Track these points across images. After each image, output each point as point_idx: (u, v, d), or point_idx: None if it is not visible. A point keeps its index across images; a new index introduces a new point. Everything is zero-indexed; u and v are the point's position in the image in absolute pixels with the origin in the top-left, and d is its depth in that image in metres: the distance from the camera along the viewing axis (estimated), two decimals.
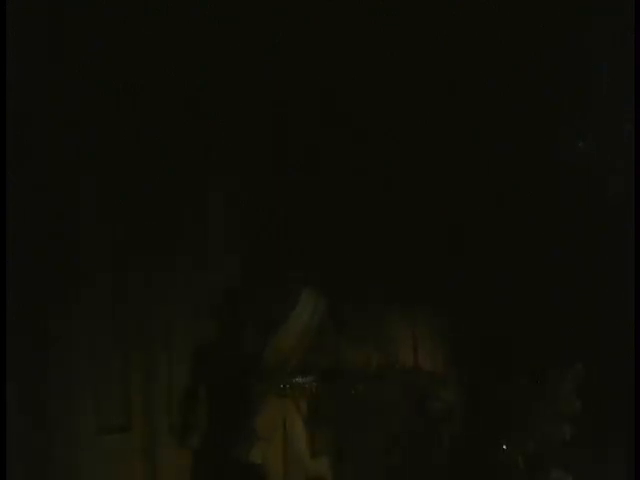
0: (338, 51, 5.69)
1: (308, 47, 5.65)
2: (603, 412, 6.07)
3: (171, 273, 5.41)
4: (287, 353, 4.88)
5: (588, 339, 6.12)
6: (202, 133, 5.41)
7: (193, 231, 5.49)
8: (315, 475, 4.88)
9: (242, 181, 5.69)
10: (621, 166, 5.98)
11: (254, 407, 4.85)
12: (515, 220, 6.47)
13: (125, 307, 5.27)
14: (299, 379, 4.94)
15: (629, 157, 5.67)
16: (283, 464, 4.82)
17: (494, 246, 6.51)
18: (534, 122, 6.20)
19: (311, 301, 5.03)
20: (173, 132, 5.31)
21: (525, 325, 6.38)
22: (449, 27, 5.84)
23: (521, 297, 6.44)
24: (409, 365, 6.40)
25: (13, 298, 4.50)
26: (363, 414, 5.14)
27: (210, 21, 5.32)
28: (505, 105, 6.17)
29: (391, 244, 6.48)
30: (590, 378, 6.10)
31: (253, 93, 5.55)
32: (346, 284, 5.99)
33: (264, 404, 4.85)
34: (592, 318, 6.18)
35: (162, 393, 5.26)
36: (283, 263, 5.05)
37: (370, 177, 6.21)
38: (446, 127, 6.10)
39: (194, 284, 5.49)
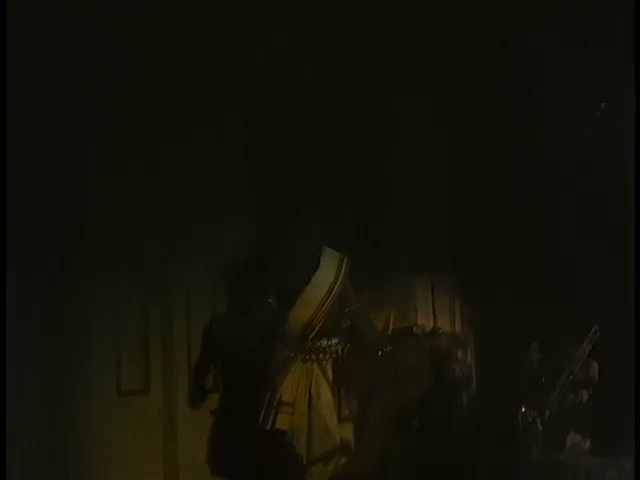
0: None
1: None
2: (620, 376, 5.88)
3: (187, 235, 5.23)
4: (311, 316, 4.55)
5: (604, 303, 5.92)
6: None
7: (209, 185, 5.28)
8: (341, 441, 4.59)
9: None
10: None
11: (278, 373, 4.56)
12: (529, 183, 6.26)
13: (143, 272, 5.11)
14: (324, 342, 4.60)
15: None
16: (309, 430, 4.49)
17: (511, 209, 6.33)
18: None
19: (334, 262, 4.72)
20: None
21: (541, 288, 6.21)
22: None
23: (537, 258, 6.24)
24: (428, 328, 6.22)
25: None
26: (386, 377, 4.91)
27: None
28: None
29: (412, 206, 6.31)
30: (606, 342, 5.92)
31: None
32: (366, 246, 5.80)
33: (288, 370, 4.56)
34: (608, 283, 5.97)
35: (181, 358, 5.10)
36: (303, 223, 4.75)
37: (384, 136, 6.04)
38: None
39: (211, 245, 5.31)
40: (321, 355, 4.61)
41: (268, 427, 4.49)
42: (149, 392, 5.05)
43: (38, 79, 4.56)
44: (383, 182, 6.11)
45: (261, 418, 4.50)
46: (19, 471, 4.45)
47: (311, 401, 4.53)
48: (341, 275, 4.68)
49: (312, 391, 4.54)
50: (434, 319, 6.38)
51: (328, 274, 4.67)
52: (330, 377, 4.59)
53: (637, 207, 4.50)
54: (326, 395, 4.55)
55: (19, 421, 4.42)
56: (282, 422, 4.50)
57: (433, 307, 6.43)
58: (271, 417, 4.48)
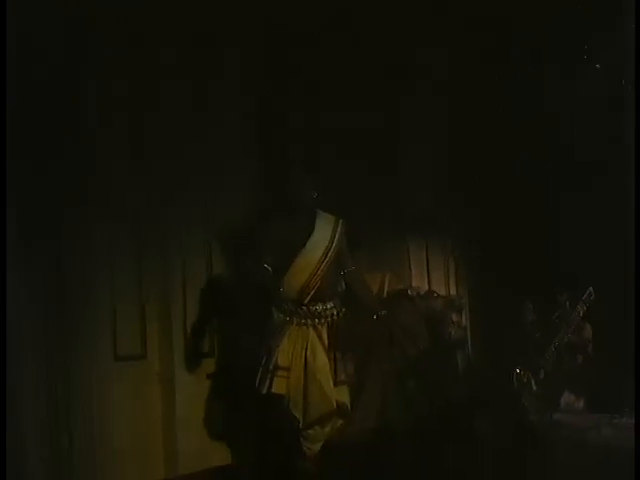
0: None
1: None
2: (614, 337, 5.88)
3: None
4: (307, 280, 4.53)
5: (599, 265, 5.91)
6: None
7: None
8: (337, 404, 4.59)
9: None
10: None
11: (274, 337, 4.57)
12: (528, 144, 6.20)
13: (138, 237, 5.07)
14: (319, 307, 4.59)
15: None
16: (305, 394, 4.50)
17: (506, 171, 6.29)
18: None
19: (329, 225, 4.68)
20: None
21: (535, 250, 6.18)
22: None
23: (532, 221, 6.20)
24: (423, 290, 6.22)
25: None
26: (382, 340, 4.89)
27: None
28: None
29: (406, 168, 6.27)
30: (601, 303, 5.92)
31: None
32: (360, 208, 5.77)
33: (284, 334, 4.56)
34: (603, 244, 5.95)
35: (178, 323, 5.09)
36: (298, 186, 4.71)
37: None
38: None
39: (207, 210, 5.27)
40: (316, 319, 4.60)
41: (264, 391, 4.50)
42: (146, 357, 5.02)
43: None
44: (379, 144, 6.05)
45: (257, 382, 4.51)
46: (19, 439, 4.44)
47: (307, 365, 4.53)
48: (336, 237, 4.66)
49: (308, 355, 4.54)
50: (429, 281, 6.38)
51: (323, 237, 4.64)
52: (325, 341, 4.58)
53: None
54: (322, 359, 4.54)
55: (19, 391, 4.40)
56: (278, 386, 4.50)
57: (428, 269, 6.41)
58: (267, 381, 4.49)
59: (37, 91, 4.46)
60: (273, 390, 4.50)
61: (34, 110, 4.45)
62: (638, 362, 4.60)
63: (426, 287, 6.28)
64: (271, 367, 4.50)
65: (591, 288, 5.86)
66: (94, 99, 4.76)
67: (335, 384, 4.57)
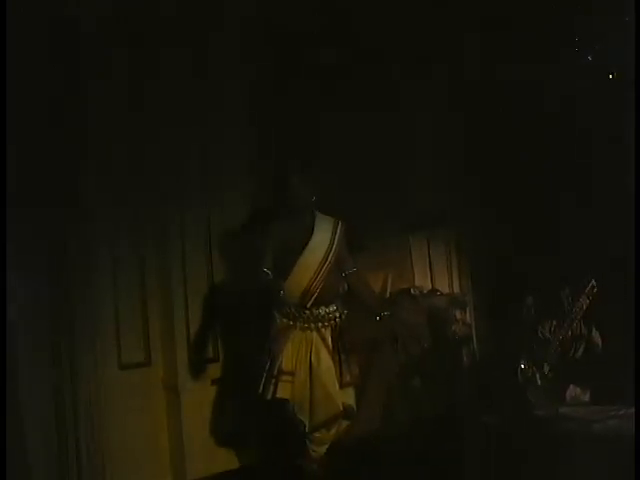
0: None
1: None
2: (619, 329, 5.85)
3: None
4: (308, 283, 4.49)
5: (601, 258, 5.87)
6: None
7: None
8: (343, 406, 4.56)
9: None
10: None
11: (277, 342, 4.53)
12: (529, 141, 6.16)
13: (140, 244, 5.06)
14: (322, 310, 4.55)
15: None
16: (310, 398, 4.48)
17: (507, 168, 6.24)
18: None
19: (329, 227, 4.63)
20: None
21: (538, 244, 6.15)
22: None
23: (533, 216, 6.14)
24: (426, 289, 6.19)
25: None
26: (386, 341, 4.87)
27: None
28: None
29: (407, 167, 6.23)
30: (604, 296, 5.89)
31: None
32: (360, 208, 5.74)
33: (287, 338, 4.52)
34: (606, 237, 5.91)
35: (180, 328, 5.07)
36: (297, 189, 4.67)
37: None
38: None
39: (208, 215, 5.25)
40: (320, 323, 4.56)
41: (269, 396, 4.46)
42: (150, 364, 5.00)
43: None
44: (379, 143, 6.02)
45: (261, 387, 4.47)
46: (24, 446, 4.44)
47: (311, 369, 4.50)
48: (336, 239, 4.61)
49: (312, 359, 4.50)
50: (432, 280, 6.34)
51: (324, 239, 4.60)
52: (330, 344, 4.55)
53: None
54: (326, 362, 4.51)
55: (24, 401, 4.40)
56: (283, 391, 4.47)
57: (430, 268, 6.36)
58: (271, 386, 4.46)
59: (32, 73, 4.44)
60: (278, 395, 4.47)
61: (29, 96, 4.43)
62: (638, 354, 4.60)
63: (429, 285, 6.23)
64: (275, 372, 4.47)
65: (593, 281, 5.79)
66: (94, 90, 4.76)
67: (341, 386, 4.54)
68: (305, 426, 4.57)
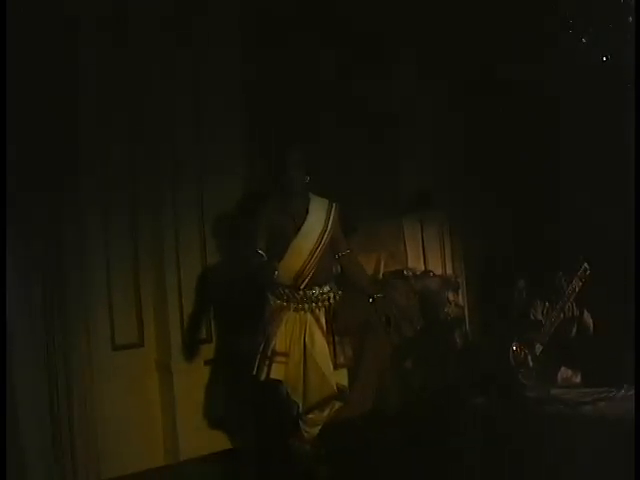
0: None
1: None
2: (610, 312, 5.86)
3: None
4: (302, 265, 4.48)
5: (597, 240, 5.87)
6: None
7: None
8: (337, 388, 4.55)
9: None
10: None
11: (271, 323, 4.51)
12: (525, 125, 6.12)
13: (134, 224, 5.04)
14: (316, 291, 4.54)
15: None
16: (304, 379, 4.47)
17: (502, 152, 6.21)
18: None
19: (323, 209, 4.61)
20: None
21: (531, 227, 6.13)
22: None
23: (528, 199, 6.12)
24: (419, 270, 6.15)
25: None
26: (379, 322, 4.85)
27: None
28: None
29: (401, 149, 6.20)
30: (597, 278, 5.89)
31: None
32: (354, 189, 5.71)
33: (281, 319, 4.51)
34: (599, 220, 5.90)
35: (174, 309, 5.06)
36: (291, 170, 4.63)
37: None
38: None
39: (201, 196, 5.23)
40: (314, 304, 4.55)
41: (263, 377, 4.46)
42: (144, 345, 5.00)
43: None
44: (371, 123, 5.98)
45: (255, 369, 4.47)
46: (18, 426, 4.44)
47: (305, 350, 4.49)
48: (331, 221, 4.59)
49: (306, 340, 4.49)
50: (425, 261, 6.32)
51: (318, 221, 4.58)
52: (324, 325, 4.54)
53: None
54: (320, 343, 4.50)
55: (20, 383, 4.40)
56: (277, 372, 4.46)
57: (423, 249, 6.34)
58: (265, 367, 4.45)
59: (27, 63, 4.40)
60: (272, 376, 4.46)
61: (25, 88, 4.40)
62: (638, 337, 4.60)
63: (422, 267, 6.20)
64: (269, 353, 4.46)
65: (586, 264, 5.80)
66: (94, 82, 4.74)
67: (335, 367, 4.53)
68: (298, 407, 4.57)
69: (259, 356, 4.48)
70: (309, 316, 4.54)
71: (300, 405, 4.57)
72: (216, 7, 5.20)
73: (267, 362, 4.45)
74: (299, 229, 4.55)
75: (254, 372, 4.47)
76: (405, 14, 5.86)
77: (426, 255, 6.33)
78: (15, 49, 4.29)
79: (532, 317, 5.94)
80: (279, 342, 4.49)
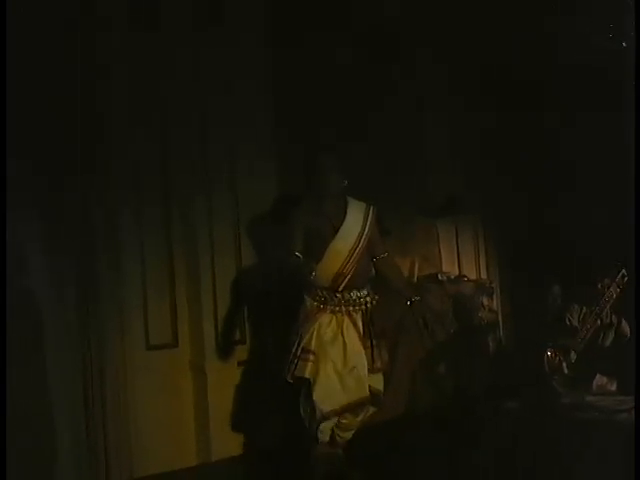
0: None
1: None
2: None
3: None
4: (340, 268, 4.43)
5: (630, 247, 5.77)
6: None
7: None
8: (371, 392, 4.50)
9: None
10: None
11: (306, 325, 4.46)
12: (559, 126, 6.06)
13: (168, 228, 5.03)
14: (354, 294, 4.49)
15: None
16: (340, 381, 4.41)
17: (535, 154, 6.14)
18: None
19: (360, 212, 4.56)
20: None
21: (567, 233, 6.03)
22: None
23: (564, 203, 6.04)
24: (453, 275, 6.10)
25: None
26: (413, 326, 4.80)
27: None
28: None
29: (435, 152, 6.17)
30: (633, 285, 5.79)
31: None
32: (389, 193, 5.66)
33: (317, 321, 4.45)
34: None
35: (208, 310, 5.04)
36: (328, 173, 4.60)
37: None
38: None
39: (237, 198, 5.21)
40: (351, 307, 4.50)
41: (289, 378, 4.44)
42: (178, 346, 4.98)
43: None
44: (406, 129, 5.94)
45: (288, 369, 4.43)
46: (55, 426, 4.45)
47: (345, 351, 4.43)
48: (368, 224, 4.55)
49: (344, 342, 4.44)
50: (459, 266, 6.27)
51: (356, 224, 4.54)
52: (360, 328, 4.49)
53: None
54: (357, 346, 4.45)
55: (52, 381, 4.41)
56: (301, 369, 4.42)
57: (458, 254, 6.30)
58: (299, 368, 4.41)
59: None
60: (296, 374, 4.43)
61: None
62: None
63: (456, 271, 6.17)
64: (304, 354, 4.42)
65: (624, 270, 5.72)
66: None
67: (371, 371, 4.49)
68: (321, 409, 4.47)
69: (293, 357, 4.45)
70: (346, 318, 4.49)
71: (323, 407, 4.46)
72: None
73: (301, 363, 4.41)
74: (337, 231, 4.51)
75: (288, 372, 4.44)
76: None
77: (460, 259, 6.29)
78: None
79: (568, 323, 5.87)
80: (308, 341, 4.44)
